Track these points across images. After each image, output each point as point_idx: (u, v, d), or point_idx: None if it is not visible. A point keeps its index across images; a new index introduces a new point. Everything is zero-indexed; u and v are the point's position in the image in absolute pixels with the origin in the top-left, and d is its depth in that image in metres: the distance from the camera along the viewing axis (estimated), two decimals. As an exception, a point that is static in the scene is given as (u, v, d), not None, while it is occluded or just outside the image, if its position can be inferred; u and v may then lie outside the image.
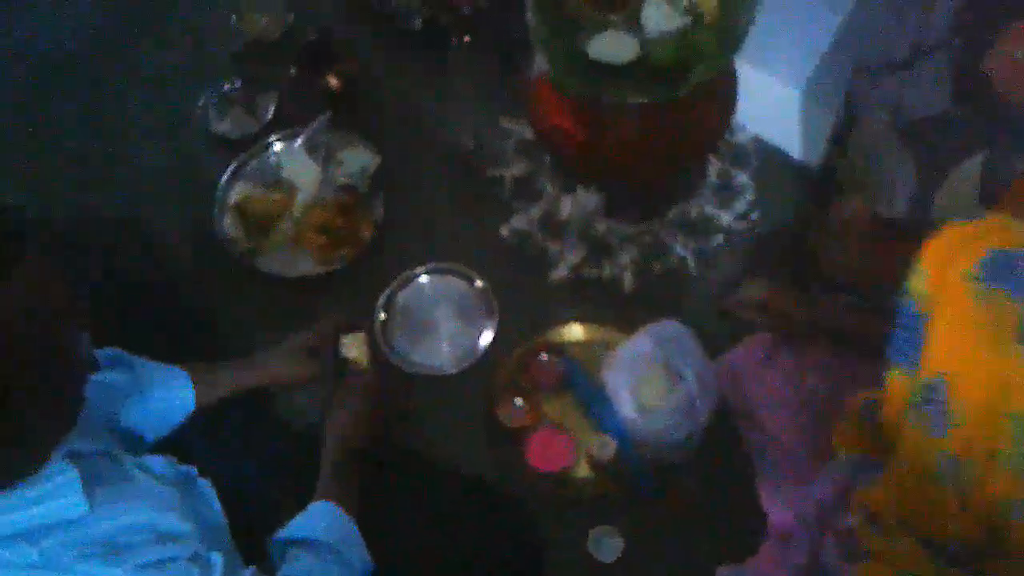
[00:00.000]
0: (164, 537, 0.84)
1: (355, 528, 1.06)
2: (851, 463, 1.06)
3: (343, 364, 1.23)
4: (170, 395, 1.16)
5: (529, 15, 1.36)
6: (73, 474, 0.80)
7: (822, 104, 1.65)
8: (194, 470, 1.01)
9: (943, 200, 1.12)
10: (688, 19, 1.36)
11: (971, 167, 1.06)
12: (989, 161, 1.05)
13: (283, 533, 1.03)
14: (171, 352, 1.21)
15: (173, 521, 0.87)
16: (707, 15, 1.37)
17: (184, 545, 0.86)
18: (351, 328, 1.26)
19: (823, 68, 1.65)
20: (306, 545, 1.02)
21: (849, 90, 1.30)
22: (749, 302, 1.32)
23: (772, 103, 1.72)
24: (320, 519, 1.05)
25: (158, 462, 0.97)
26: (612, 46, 1.35)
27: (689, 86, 1.28)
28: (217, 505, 1.00)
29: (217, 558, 0.87)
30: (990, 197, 1.06)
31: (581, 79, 1.32)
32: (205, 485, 1.01)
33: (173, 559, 0.84)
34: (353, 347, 1.24)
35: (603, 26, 1.36)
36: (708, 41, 1.31)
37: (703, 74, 1.28)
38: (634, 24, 1.35)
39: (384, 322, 1.56)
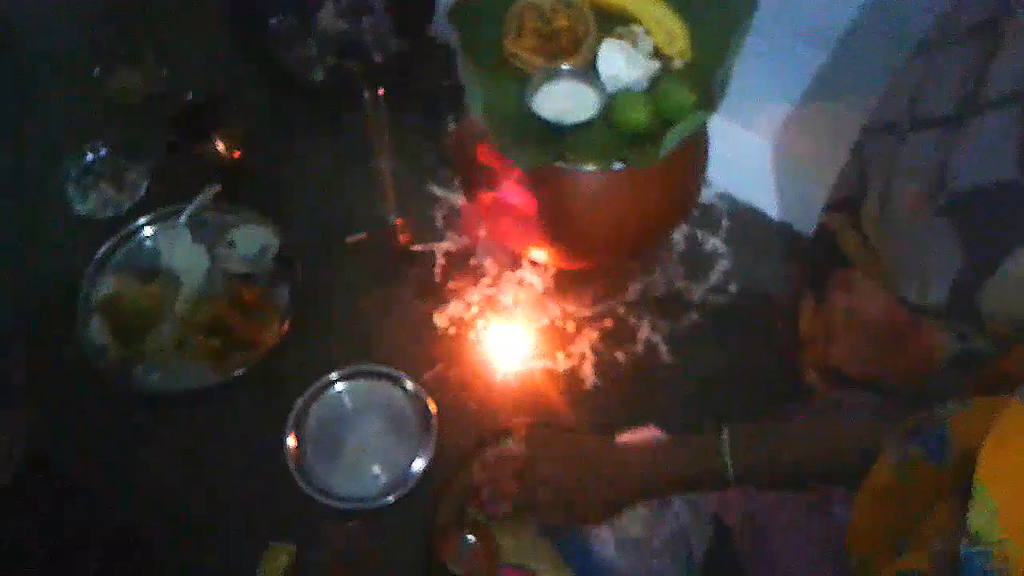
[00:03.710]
0: None
1: None
2: None
3: None
4: None
5: (459, 64, 1.10)
6: None
7: (805, 159, 1.42)
8: None
9: (996, 291, 0.88)
10: (656, 64, 1.12)
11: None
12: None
13: None
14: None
15: None
16: (677, 58, 1.13)
17: None
18: None
19: (802, 117, 1.42)
20: None
21: (861, 150, 1.06)
22: None
23: (741, 154, 1.48)
24: None
25: None
26: (566, 102, 1.10)
27: (667, 149, 1.03)
28: None
29: None
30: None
31: (528, 144, 1.06)
32: None
33: None
34: None
35: (552, 76, 1.11)
36: (683, 91, 1.06)
37: (683, 133, 1.04)
38: (591, 73, 1.11)
39: (296, 449, 1.25)
